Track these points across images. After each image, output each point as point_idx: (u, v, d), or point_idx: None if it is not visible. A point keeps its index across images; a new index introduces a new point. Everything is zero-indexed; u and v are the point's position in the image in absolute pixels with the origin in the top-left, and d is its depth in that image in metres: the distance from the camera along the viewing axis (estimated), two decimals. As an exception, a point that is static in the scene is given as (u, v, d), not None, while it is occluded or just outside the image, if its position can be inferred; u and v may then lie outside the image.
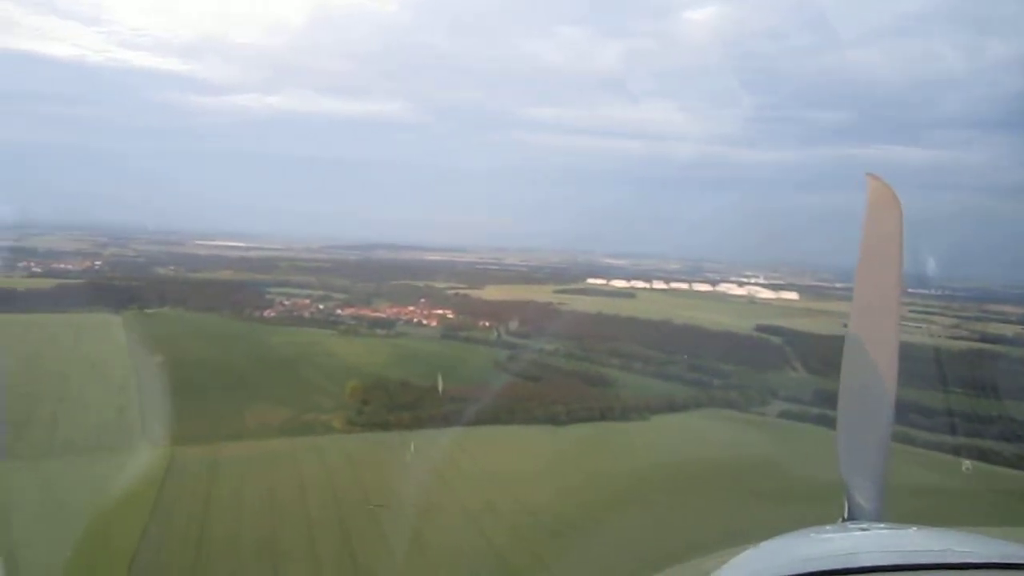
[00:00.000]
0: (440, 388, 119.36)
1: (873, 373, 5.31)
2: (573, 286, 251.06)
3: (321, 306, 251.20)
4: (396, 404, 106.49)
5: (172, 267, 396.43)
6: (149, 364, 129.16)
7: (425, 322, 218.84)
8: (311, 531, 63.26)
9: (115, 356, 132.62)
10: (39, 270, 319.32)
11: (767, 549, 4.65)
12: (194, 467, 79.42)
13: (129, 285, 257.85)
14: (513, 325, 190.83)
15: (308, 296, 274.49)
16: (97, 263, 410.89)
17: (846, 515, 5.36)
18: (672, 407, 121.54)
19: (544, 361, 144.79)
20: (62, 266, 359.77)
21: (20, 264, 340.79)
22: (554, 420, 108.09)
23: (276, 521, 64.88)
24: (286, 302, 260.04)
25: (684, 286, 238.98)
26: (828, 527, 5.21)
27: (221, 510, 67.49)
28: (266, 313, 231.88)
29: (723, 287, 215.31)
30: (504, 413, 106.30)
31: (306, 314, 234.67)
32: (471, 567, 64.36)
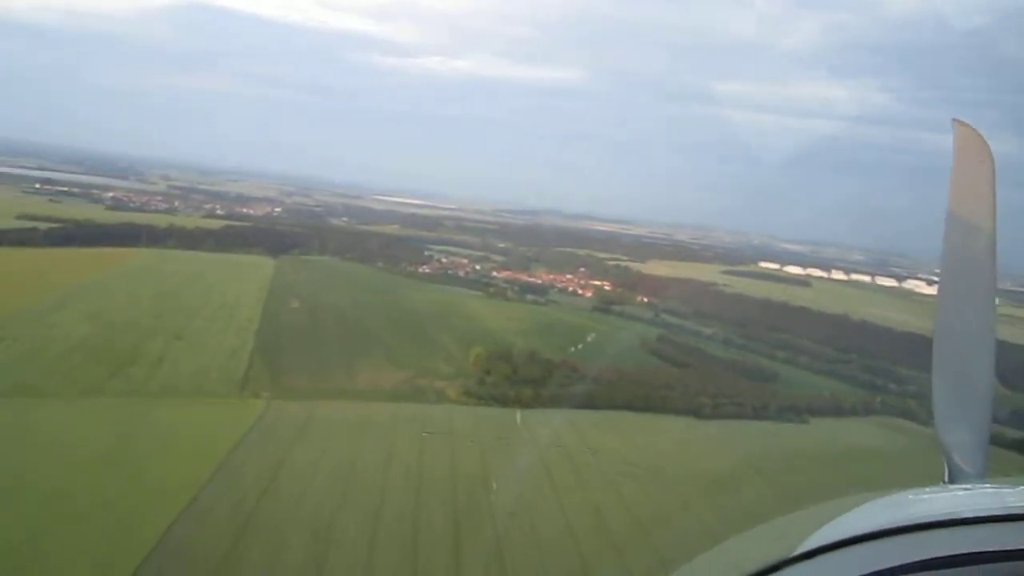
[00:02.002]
0: (575, 364, 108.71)
1: (969, 323, 5.11)
2: (742, 268, 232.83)
3: (478, 266, 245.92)
4: (521, 378, 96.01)
5: (345, 218, 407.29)
6: (281, 309, 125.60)
7: (580, 292, 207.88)
8: (375, 519, 54.20)
9: (250, 298, 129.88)
10: (221, 212, 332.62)
11: (871, 506, 4.27)
12: (281, 426, 72.30)
13: (295, 231, 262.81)
14: (671, 303, 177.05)
15: (467, 256, 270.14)
16: (278, 209, 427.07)
17: (947, 479, 4.76)
18: (838, 411, 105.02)
19: (697, 345, 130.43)
20: (244, 210, 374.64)
21: (206, 206, 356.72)
22: (697, 412, 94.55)
23: (338, 503, 56.35)
24: (444, 259, 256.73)
25: (866, 279, 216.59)
26: (927, 488, 4.68)
27: (288, 479, 59.71)
28: (421, 268, 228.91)
29: (911, 284, 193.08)
30: (640, 399, 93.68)
31: (461, 273, 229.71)
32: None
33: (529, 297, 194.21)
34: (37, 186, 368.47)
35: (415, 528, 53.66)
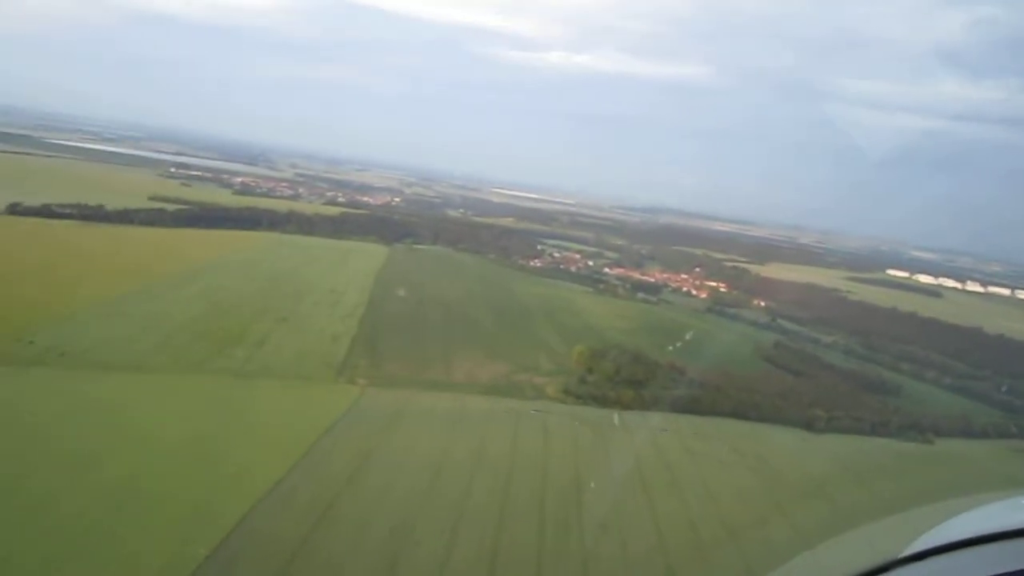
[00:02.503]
0: (681, 367, 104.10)
1: None
2: (868, 275, 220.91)
3: (590, 262, 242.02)
4: (623, 378, 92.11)
5: (462, 209, 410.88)
6: (387, 297, 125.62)
7: (694, 292, 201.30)
8: (456, 523, 51.84)
9: (359, 284, 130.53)
10: (342, 200, 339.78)
11: (984, 510, 4.25)
12: (372, 414, 71.05)
13: (410, 220, 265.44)
14: (790, 308, 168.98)
15: (580, 251, 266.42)
16: (397, 199, 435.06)
17: None
18: (967, 431, 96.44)
19: (815, 353, 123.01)
20: (364, 198, 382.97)
21: (328, 193, 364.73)
22: (809, 425, 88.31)
23: (421, 497, 54.36)
24: (556, 254, 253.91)
25: (1005, 292, 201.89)
26: None
27: (373, 469, 58.19)
28: (532, 262, 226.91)
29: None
30: (749, 407, 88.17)
31: (572, 268, 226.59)
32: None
33: (640, 295, 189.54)
34: (173, 170, 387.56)
35: (498, 531, 51.16)
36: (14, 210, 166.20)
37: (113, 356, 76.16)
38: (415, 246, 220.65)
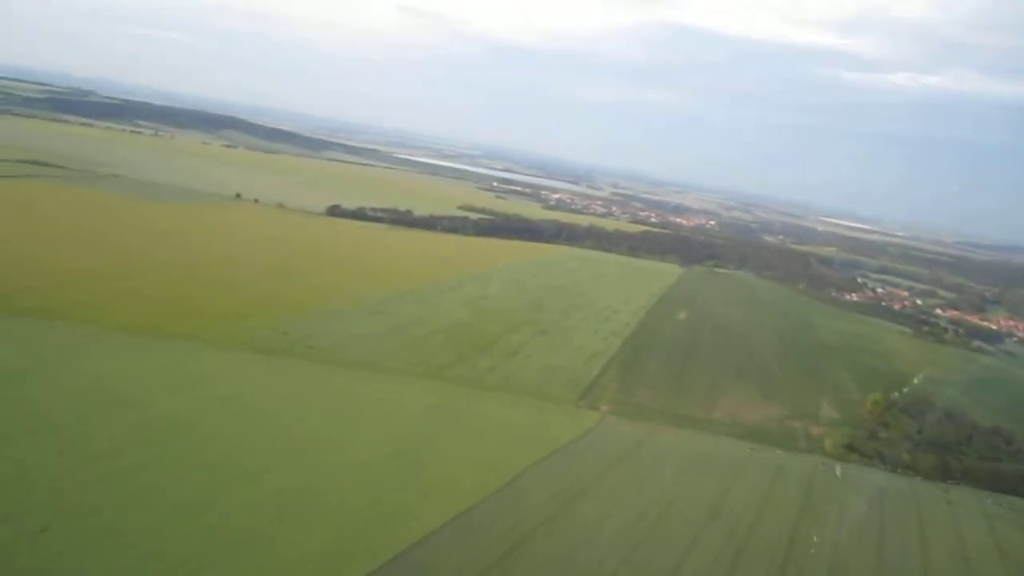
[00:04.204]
0: (1009, 434, 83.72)
1: None
2: None
3: (918, 301, 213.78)
4: (927, 439, 75.31)
5: (780, 236, 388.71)
6: (664, 319, 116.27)
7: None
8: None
9: (637, 304, 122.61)
10: (654, 220, 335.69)
11: None
12: (603, 446, 62.49)
13: (716, 243, 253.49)
14: None
15: (908, 288, 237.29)
16: (711, 222, 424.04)
17: None
18: None
19: None
20: (677, 220, 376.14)
21: (641, 213, 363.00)
22: None
23: (618, 556, 45.14)
24: (878, 289, 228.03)
25: None
26: None
27: (583, 511, 49.98)
28: (848, 295, 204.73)
29: None
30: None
31: (895, 306, 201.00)
32: None
33: (975, 343, 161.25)
34: (495, 184, 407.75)
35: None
36: (333, 211, 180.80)
37: (355, 353, 75.38)
38: (716, 269, 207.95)
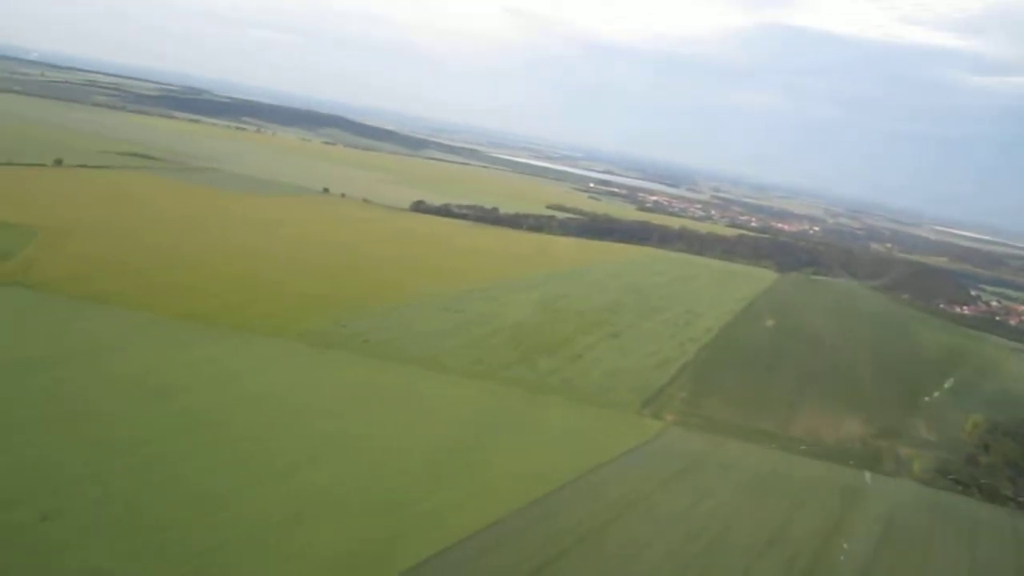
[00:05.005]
0: None
1: None
2: None
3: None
4: (1031, 468, 68.05)
5: (889, 244, 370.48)
6: (749, 326, 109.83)
7: None
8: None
9: (722, 309, 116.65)
10: (755, 224, 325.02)
11: None
12: (661, 459, 57.84)
13: (818, 249, 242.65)
14: None
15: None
16: (815, 228, 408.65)
17: None
18: None
19: None
20: (779, 225, 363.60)
21: (741, 217, 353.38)
22: None
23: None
24: (994, 303, 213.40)
25: None
26: None
27: (621, 531, 45.65)
28: (958, 308, 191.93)
29: None
30: None
31: (1012, 321, 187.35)
32: None
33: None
34: (591, 185, 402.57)
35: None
36: (417, 207, 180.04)
37: (413, 349, 72.94)
38: (813, 276, 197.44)
